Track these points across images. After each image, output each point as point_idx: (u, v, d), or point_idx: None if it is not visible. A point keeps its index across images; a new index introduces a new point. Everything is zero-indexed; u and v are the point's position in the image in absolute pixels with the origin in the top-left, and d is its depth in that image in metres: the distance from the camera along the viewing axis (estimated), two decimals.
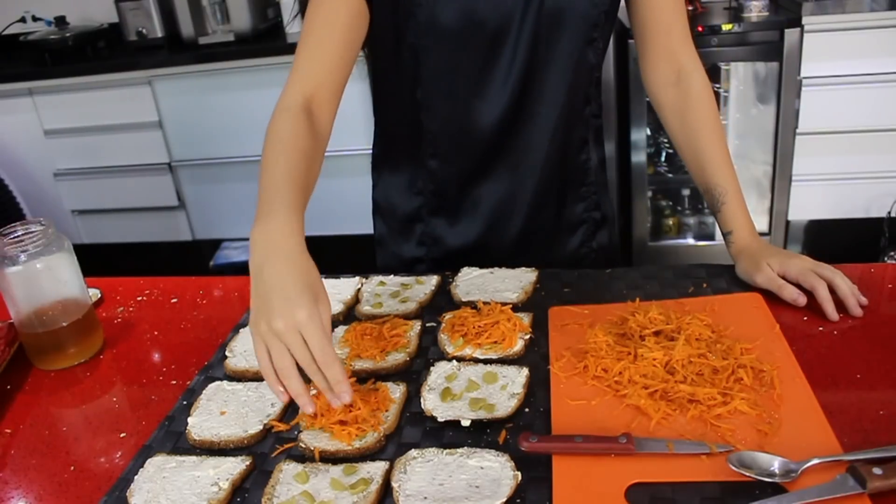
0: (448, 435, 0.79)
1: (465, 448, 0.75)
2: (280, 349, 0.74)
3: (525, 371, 0.86)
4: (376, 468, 0.74)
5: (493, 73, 1.04)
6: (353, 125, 2.86)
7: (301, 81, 0.98)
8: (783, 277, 0.96)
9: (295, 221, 0.81)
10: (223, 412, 0.85)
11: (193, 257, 3.28)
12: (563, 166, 1.14)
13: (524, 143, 1.09)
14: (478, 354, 0.90)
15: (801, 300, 0.94)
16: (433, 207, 1.18)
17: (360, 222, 3.02)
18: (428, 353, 0.94)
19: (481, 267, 1.11)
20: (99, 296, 1.18)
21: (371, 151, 1.25)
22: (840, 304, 0.92)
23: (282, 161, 0.87)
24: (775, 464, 0.68)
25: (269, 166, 0.87)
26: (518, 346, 0.90)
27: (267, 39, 2.99)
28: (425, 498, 0.69)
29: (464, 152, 1.12)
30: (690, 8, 2.73)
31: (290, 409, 0.85)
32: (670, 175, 2.96)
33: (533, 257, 1.14)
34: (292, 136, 0.91)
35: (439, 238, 1.19)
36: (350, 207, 3.01)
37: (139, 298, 1.17)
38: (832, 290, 0.93)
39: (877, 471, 0.65)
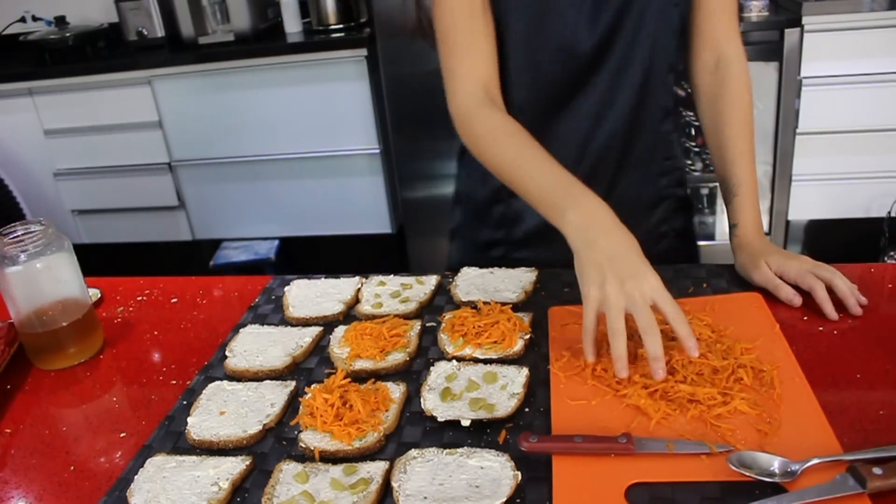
0: (448, 435, 0.79)
1: (465, 448, 0.75)
2: (619, 310, 0.77)
3: (525, 371, 0.86)
4: (376, 468, 0.74)
5: (577, 38, 1.03)
6: (354, 125, 2.86)
7: (472, 76, 1.00)
8: (781, 278, 0.96)
9: (599, 198, 0.85)
10: (223, 412, 0.85)
11: (193, 257, 3.28)
12: (645, 131, 1.12)
13: (604, 103, 1.08)
14: (478, 354, 0.90)
15: (797, 300, 0.94)
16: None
17: (362, 222, 3.04)
18: (428, 353, 0.94)
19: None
20: (99, 296, 1.18)
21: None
22: (840, 304, 0.92)
23: (536, 154, 0.92)
24: (775, 464, 0.68)
25: (523, 162, 0.92)
26: (518, 346, 0.90)
27: (267, 39, 2.99)
28: (425, 498, 0.69)
29: (546, 118, 1.10)
30: None
31: (290, 409, 0.85)
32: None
33: None
34: (512, 127, 0.95)
35: (519, 217, 1.17)
36: (351, 207, 3.01)
37: (139, 298, 1.17)
38: (831, 291, 0.93)
39: (877, 471, 0.65)
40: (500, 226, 1.20)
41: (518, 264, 1.10)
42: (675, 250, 1.22)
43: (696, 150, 2.85)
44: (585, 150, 1.11)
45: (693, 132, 2.84)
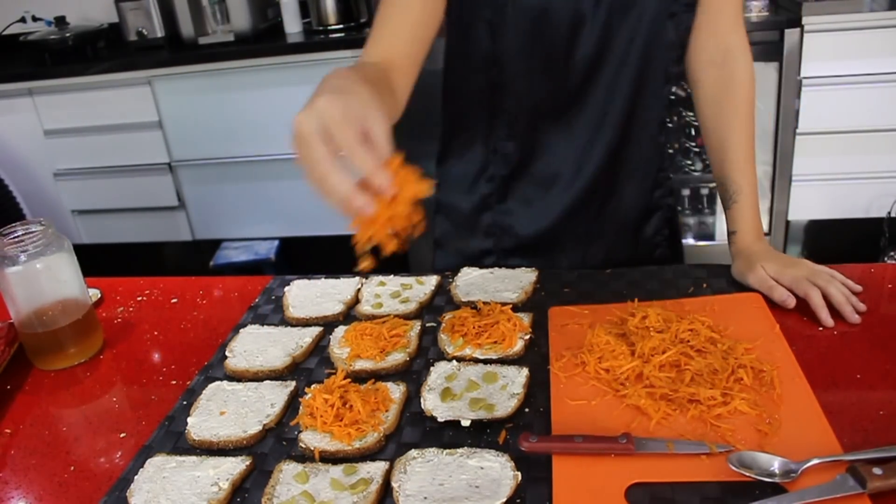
0: (448, 435, 0.79)
1: (465, 448, 0.75)
2: (307, 137, 0.64)
3: (525, 371, 0.86)
4: (376, 468, 0.74)
5: (571, 51, 1.02)
6: None
7: (379, 45, 0.96)
8: (777, 283, 0.96)
9: (357, 68, 0.81)
10: (223, 412, 0.85)
11: (193, 257, 3.27)
12: (639, 143, 1.11)
13: (598, 115, 1.07)
14: (478, 354, 0.90)
15: (790, 302, 0.93)
16: (503, 193, 1.15)
17: None
18: (428, 353, 0.94)
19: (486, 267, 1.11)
20: (99, 296, 1.18)
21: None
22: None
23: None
24: (775, 464, 0.68)
25: None
26: (518, 346, 0.90)
27: (267, 39, 2.99)
28: (425, 498, 0.69)
29: (540, 129, 1.10)
30: None
31: (290, 410, 0.85)
32: (671, 175, 2.96)
33: (605, 246, 1.13)
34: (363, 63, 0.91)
35: (509, 227, 1.16)
36: None
37: (139, 298, 1.17)
38: (827, 298, 0.92)
39: (877, 471, 0.65)
40: (489, 234, 1.19)
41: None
42: (666, 257, 1.22)
43: (697, 150, 2.85)
44: (582, 165, 1.10)
45: (693, 132, 2.84)
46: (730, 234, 1.06)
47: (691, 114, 2.62)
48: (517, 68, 1.05)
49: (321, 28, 2.96)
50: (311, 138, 0.64)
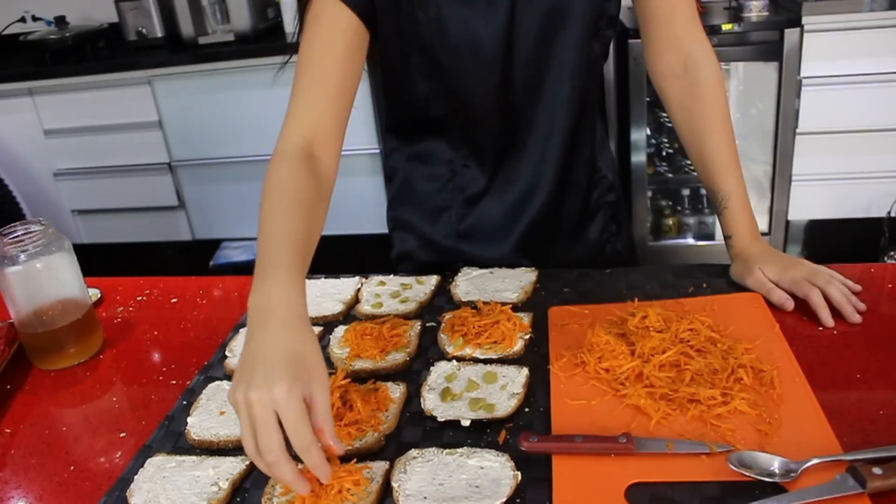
0: (448, 435, 0.79)
1: (465, 448, 0.75)
2: (264, 425, 0.65)
3: (525, 371, 0.86)
4: (376, 468, 0.74)
5: (507, 81, 1.02)
6: (354, 125, 2.85)
7: (300, 122, 0.92)
8: (776, 286, 0.96)
9: (294, 286, 0.75)
10: (223, 412, 0.85)
11: (193, 257, 3.27)
12: (581, 154, 1.11)
13: (545, 136, 1.07)
14: (478, 354, 0.90)
15: (789, 305, 0.93)
16: (461, 216, 1.15)
17: (362, 222, 3.04)
18: (428, 353, 0.94)
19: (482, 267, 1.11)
20: (99, 296, 1.18)
21: (384, 164, 1.24)
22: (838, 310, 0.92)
23: (279, 218, 0.81)
24: (775, 464, 0.68)
25: (266, 223, 0.81)
26: (518, 346, 0.90)
27: (267, 39, 2.99)
28: (425, 498, 0.69)
29: (492, 160, 1.10)
30: None
31: None
32: (670, 175, 2.96)
33: (555, 255, 1.13)
34: (291, 187, 0.85)
35: (471, 256, 1.15)
36: (351, 207, 3.01)
37: (139, 298, 1.17)
38: (828, 298, 0.92)
39: (877, 471, 0.65)
40: (452, 258, 1.17)
41: None
42: (618, 252, 1.22)
43: None
44: (535, 186, 1.11)
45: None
46: (726, 238, 1.06)
47: None
48: (459, 103, 1.06)
49: None
50: (268, 425, 0.65)
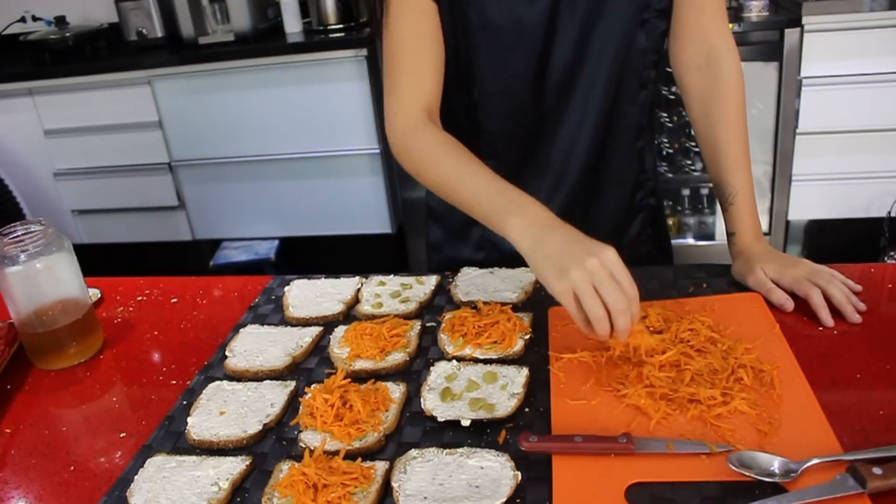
0: (448, 435, 0.79)
1: (465, 448, 0.75)
2: (591, 294, 0.75)
3: (525, 371, 0.86)
4: (376, 468, 0.74)
5: (545, 66, 1.02)
6: (355, 125, 2.86)
7: (414, 98, 0.99)
8: (777, 284, 0.96)
9: (543, 207, 0.85)
10: (223, 412, 0.85)
11: (193, 257, 3.27)
12: (617, 150, 1.11)
13: (576, 127, 1.07)
14: (478, 354, 0.90)
15: (789, 305, 0.93)
16: None
17: (362, 222, 3.04)
18: (428, 353, 0.94)
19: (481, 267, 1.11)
20: (99, 296, 1.18)
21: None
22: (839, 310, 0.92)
23: (478, 168, 0.91)
24: (775, 464, 0.68)
25: (466, 177, 0.91)
26: (518, 346, 0.90)
27: (267, 39, 2.99)
28: (425, 498, 0.69)
29: (520, 149, 1.10)
30: None
31: (290, 409, 0.85)
32: (670, 175, 2.96)
33: None
34: (454, 144, 0.95)
35: (498, 242, 1.15)
36: (351, 207, 3.01)
37: (139, 298, 1.17)
38: (828, 298, 0.92)
39: (877, 471, 0.65)
40: (479, 248, 1.19)
41: None
42: (652, 255, 1.22)
43: (696, 150, 2.85)
44: (563, 176, 1.11)
45: (693, 132, 2.84)
46: (729, 235, 1.06)
47: None
48: (493, 86, 1.06)
49: (321, 28, 2.96)
50: (609, 281, 0.76)
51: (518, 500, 0.69)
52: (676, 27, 1.08)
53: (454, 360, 0.89)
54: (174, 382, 0.94)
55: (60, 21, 3.20)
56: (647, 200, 1.19)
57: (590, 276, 0.75)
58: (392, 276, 1.12)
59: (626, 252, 1.17)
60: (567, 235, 0.81)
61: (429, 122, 0.98)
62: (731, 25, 2.51)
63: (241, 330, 1.01)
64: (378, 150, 2.88)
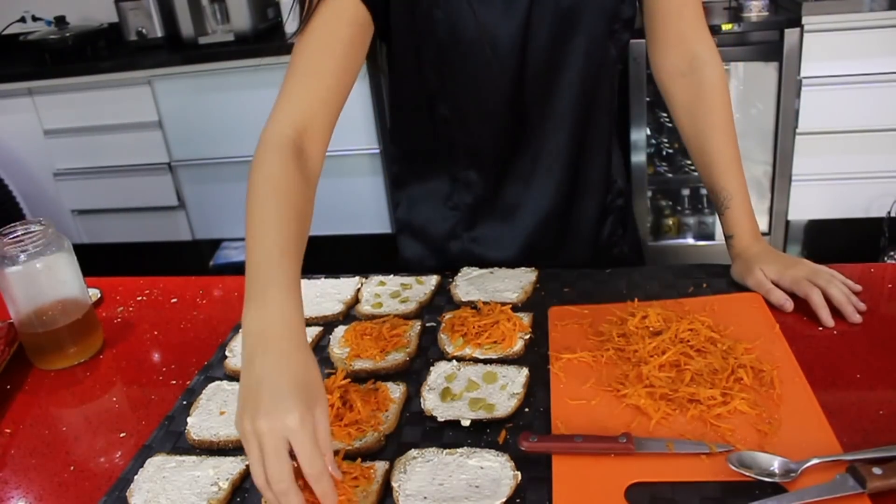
0: (448, 435, 0.79)
1: (465, 448, 0.75)
2: (276, 454, 0.63)
3: (525, 371, 0.86)
4: (376, 468, 0.74)
5: (519, 80, 1.02)
6: (354, 125, 2.86)
7: (292, 113, 0.87)
8: (777, 285, 0.96)
9: (292, 305, 0.71)
10: (223, 412, 0.85)
11: (193, 257, 3.28)
12: (593, 159, 1.11)
13: (554, 140, 1.07)
14: (478, 354, 0.90)
15: (788, 305, 0.93)
16: (471, 222, 1.15)
17: (362, 222, 3.04)
18: (428, 353, 0.94)
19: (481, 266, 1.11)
20: (99, 296, 1.18)
21: (389, 170, 1.23)
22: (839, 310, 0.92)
23: (273, 222, 0.77)
24: (775, 464, 0.68)
25: (258, 227, 0.77)
26: (518, 346, 0.90)
27: (267, 39, 2.99)
28: (425, 498, 0.69)
29: (499, 161, 1.10)
30: None
31: None
32: (670, 175, 2.96)
33: (567, 257, 1.13)
34: (283, 187, 0.81)
35: (479, 255, 1.15)
36: (351, 207, 3.01)
37: (139, 298, 1.17)
38: (828, 298, 0.92)
39: (877, 471, 0.65)
40: (459, 261, 1.16)
41: None
42: (624, 255, 1.22)
43: None
44: (543, 187, 1.10)
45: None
46: (727, 238, 1.06)
47: None
48: (466, 102, 1.05)
49: None
50: (279, 453, 0.63)
51: (518, 500, 0.69)
52: (656, 34, 1.08)
53: (454, 360, 0.89)
54: (174, 382, 0.94)
55: (60, 21, 3.20)
56: (616, 202, 1.19)
57: (259, 437, 0.64)
58: (392, 276, 1.12)
59: (598, 254, 1.18)
60: (276, 369, 0.67)
61: (288, 146, 0.84)
62: (730, 26, 2.52)
63: (241, 330, 1.01)
64: (378, 150, 2.88)
